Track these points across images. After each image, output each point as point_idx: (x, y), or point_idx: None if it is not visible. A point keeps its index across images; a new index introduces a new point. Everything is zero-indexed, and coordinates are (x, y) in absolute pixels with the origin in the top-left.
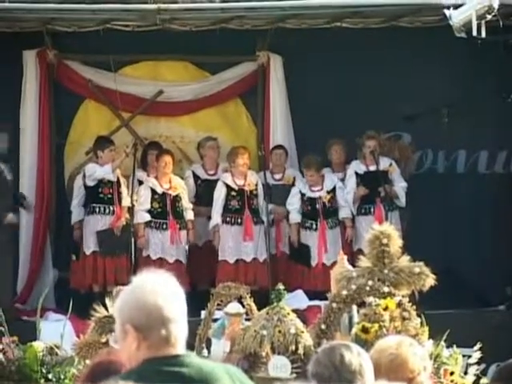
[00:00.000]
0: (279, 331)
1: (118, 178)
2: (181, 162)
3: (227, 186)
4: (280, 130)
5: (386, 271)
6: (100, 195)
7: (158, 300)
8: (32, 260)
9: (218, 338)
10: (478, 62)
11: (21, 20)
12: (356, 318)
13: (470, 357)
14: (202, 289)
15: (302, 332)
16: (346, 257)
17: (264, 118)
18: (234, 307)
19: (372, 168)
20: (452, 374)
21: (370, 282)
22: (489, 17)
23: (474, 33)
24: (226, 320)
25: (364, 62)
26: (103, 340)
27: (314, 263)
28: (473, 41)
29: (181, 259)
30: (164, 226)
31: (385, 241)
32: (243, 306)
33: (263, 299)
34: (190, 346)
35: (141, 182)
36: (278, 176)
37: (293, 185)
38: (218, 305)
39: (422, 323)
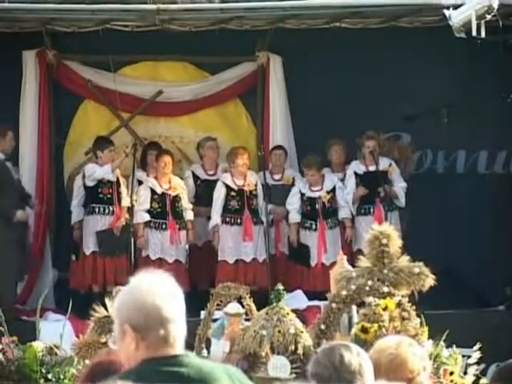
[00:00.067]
0: (279, 331)
1: (118, 178)
2: (180, 163)
3: (227, 187)
4: (279, 130)
5: (385, 271)
6: (99, 195)
7: (156, 300)
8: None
9: (218, 338)
10: (478, 62)
11: (20, 20)
12: (355, 318)
13: (469, 357)
14: (202, 289)
15: (302, 332)
16: (345, 257)
17: (263, 118)
18: (233, 307)
19: (371, 168)
20: (451, 374)
21: (369, 282)
22: (488, 17)
23: (474, 33)
24: (225, 320)
25: (363, 62)
26: (103, 340)
27: (313, 263)
28: (472, 41)
29: (180, 259)
30: (163, 226)
31: (384, 241)
32: (243, 306)
33: (263, 299)
34: (190, 346)
35: (140, 182)
36: (277, 176)
37: (292, 185)
38: (218, 305)
39: (421, 323)
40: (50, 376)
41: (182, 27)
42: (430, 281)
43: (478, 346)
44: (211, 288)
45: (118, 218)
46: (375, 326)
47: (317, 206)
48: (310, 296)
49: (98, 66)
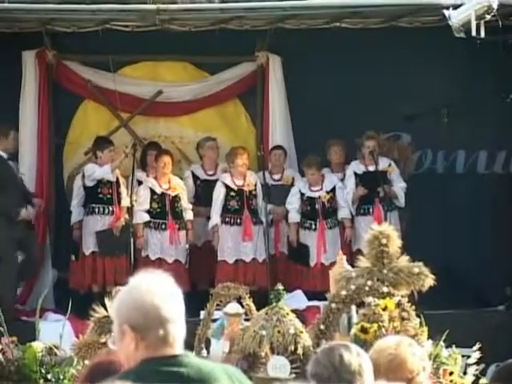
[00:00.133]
0: (278, 331)
1: (118, 179)
2: (180, 163)
3: (226, 187)
4: (279, 130)
5: (385, 271)
6: (99, 195)
7: (155, 300)
8: None
9: (218, 339)
10: (478, 62)
11: (20, 20)
12: (355, 319)
13: (469, 357)
14: (202, 289)
15: (301, 332)
16: (345, 257)
17: (263, 118)
18: (233, 307)
19: (371, 168)
20: (451, 374)
21: (369, 282)
22: (488, 17)
23: (473, 33)
24: (225, 320)
25: (363, 62)
26: (102, 340)
27: (312, 263)
28: (472, 41)
29: (180, 259)
30: (163, 227)
31: (384, 241)
32: (242, 307)
33: (262, 299)
34: (189, 346)
35: (140, 183)
36: (276, 176)
37: (292, 185)
38: (218, 305)
39: (421, 323)
40: (49, 376)
41: (181, 27)
42: (429, 281)
43: (477, 346)
44: (211, 288)
45: (118, 218)
46: (375, 326)
47: (316, 206)
48: (310, 296)
49: (97, 66)
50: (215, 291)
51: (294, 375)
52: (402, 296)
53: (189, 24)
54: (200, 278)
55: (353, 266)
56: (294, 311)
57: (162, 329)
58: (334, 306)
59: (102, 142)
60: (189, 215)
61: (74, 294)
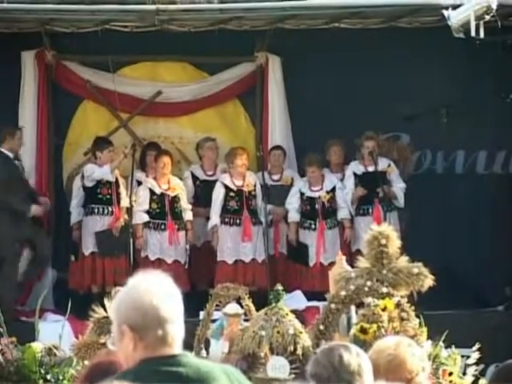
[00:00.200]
0: (278, 332)
1: (117, 179)
2: (179, 163)
3: (226, 187)
4: (278, 130)
5: (384, 272)
6: (99, 196)
7: (154, 300)
8: None
9: (217, 339)
10: (477, 63)
11: (19, 21)
12: (354, 319)
13: (468, 357)
14: (201, 289)
15: (301, 333)
16: (344, 257)
17: (262, 118)
18: (232, 308)
19: (370, 169)
20: (451, 374)
21: (368, 283)
22: (487, 17)
23: (473, 33)
24: (224, 321)
25: (363, 62)
26: (102, 341)
27: (311, 263)
28: (471, 41)
29: (179, 260)
30: (162, 227)
31: (383, 241)
32: (242, 307)
33: (262, 300)
34: (189, 346)
35: (139, 183)
36: (276, 177)
37: (291, 185)
38: (217, 305)
39: (420, 324)
40: (49, 377)
41: (181, 28)
42: (428, 281)
43: (477, 346)
44: (210, 288)
45: (117, 219)
46: (374, 326)
47: (316, 206)
48: (309, 296)
49: (97, 67)
50: (215, 292)
51: (293, 375)
52: (402, 296)
53: (188, 24)
54: (199, 278)
55: (352, 267)
56: (294, 312)
57: (160, 329)
58: (333, 306)
59: (101, 143)
60: (188, 215)
61: (74, 294)
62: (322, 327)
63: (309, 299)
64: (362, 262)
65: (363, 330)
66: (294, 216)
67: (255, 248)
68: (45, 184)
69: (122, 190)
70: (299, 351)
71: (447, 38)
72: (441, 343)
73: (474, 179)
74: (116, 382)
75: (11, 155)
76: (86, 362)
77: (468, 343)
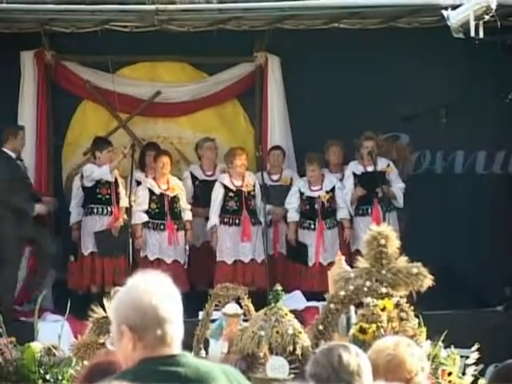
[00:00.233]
0: (277, 332)
1: (116, 179)
2: (179, 163)
3: (225, 187)
4: (278, 130)
5: (383, 272)
6: (98, 196)
7: (153, 300)
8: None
9: (216, 339)
10: (476, 63)
11: (19, 21)
12: (354, 319)
13: (467, 357)
14: (200, 289)
15: (300, 333)
16: (343, 257)
17: (262, 118)
18: (231, 308)
19: (370, 169)
20: (450, 374)
21: (367, 283)
22: (487, 17)
23: (472, 33)
24: (223, 321)
25: (362, 62)
26: (101, 341)
27: (311, 263)
28: (471, 41)
29: (179, 260)
30: (162, 227)
31: (382, 241)
32: (241, 307)
33: (261, 300)
34: (188, 346)
35: (139, 183)
36: (275, 177)
37: (290, 185)
38: (216, 305)
39: (419, 324)
40: (48, 377)
41: (180, 28)
42: (428, 281)
43: (476, 346)
44: (209, 289)
45: (117, 219)
46: (373, 326)
47: (316, 206)
48: (309, 296)
49: (96, 67)
50: (214, 292)
51: (292, 376)
52: (401, 296)
53: (187, 24)
54: (199, 278)
55: (351, 267)
56: (293, 312)
57: (159, 329)
58: (332, 306)
59: (100, 143)
60: (187, 216)
61: (73, 294)
62: (321, 327)
63: (308, 299)
64: (362, 262)
65: (362, 330)
66: (293, 216)
67: (254, 248)
68: (44, 184)
69: (122, 190)
70: (298, 351)
71: (446, 38)
72: (440, 343)
73: (473, 179)
74: (115, 381)
75: (14, 155)
76: (85, 362)
77: (467, 343)
